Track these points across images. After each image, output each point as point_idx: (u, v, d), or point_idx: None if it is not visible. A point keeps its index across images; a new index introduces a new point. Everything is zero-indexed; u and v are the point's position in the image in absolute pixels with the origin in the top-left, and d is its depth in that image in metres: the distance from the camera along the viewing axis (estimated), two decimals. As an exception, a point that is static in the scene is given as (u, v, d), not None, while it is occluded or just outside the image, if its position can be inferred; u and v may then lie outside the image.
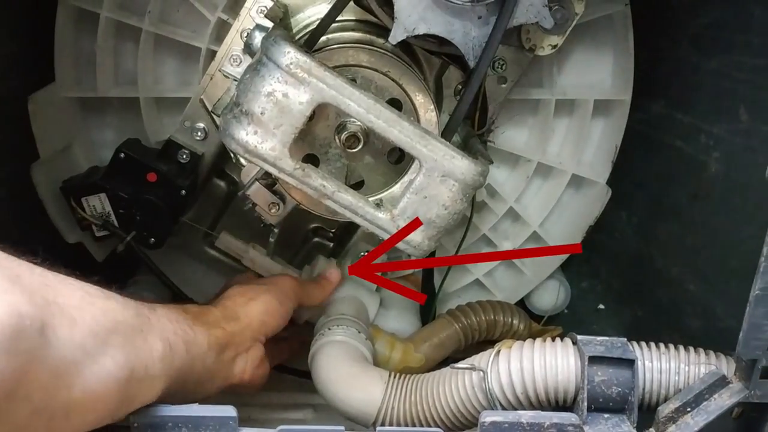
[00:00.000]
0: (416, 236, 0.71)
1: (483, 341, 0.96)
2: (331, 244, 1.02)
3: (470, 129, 0.89)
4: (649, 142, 0.98)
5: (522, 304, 1.09)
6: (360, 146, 0.73)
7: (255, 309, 0.75)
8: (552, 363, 0.65)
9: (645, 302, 0.97)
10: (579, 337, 0.66)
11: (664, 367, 0.64)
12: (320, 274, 0.90)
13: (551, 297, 1.09)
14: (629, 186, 1.01)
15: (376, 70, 0.73)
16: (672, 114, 0.94)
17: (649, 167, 0.98)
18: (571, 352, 0.65)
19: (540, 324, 1.05)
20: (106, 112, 0.97)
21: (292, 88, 0.64)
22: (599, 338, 0.66)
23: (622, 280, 1.04)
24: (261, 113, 0.65)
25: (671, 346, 0.67)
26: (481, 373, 0.67)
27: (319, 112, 0.71)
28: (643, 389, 0.64)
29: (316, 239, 1.02)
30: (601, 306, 1.07)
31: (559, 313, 1.11)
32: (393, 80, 0.74)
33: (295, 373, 0.93)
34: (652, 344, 0.67)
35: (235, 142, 0.66)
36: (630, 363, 0.63)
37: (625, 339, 0.66)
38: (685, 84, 0.91)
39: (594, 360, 0.63)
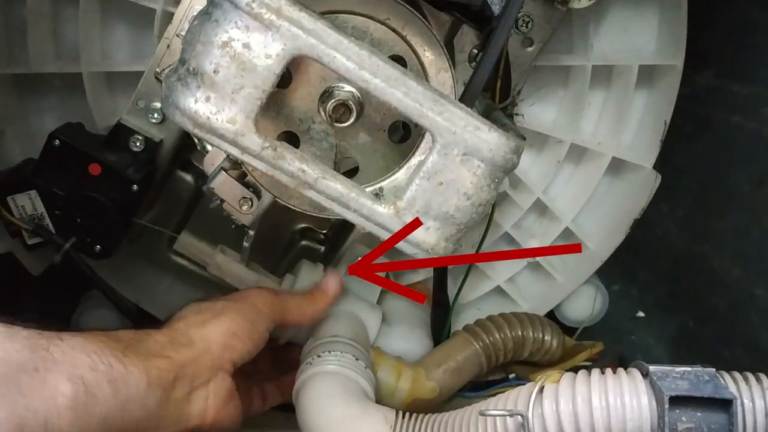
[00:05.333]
0: (429, 237, 0.54)
1: (508, 362, 0.83)
2: (323, 248, 0.88)
3: (490, 101, 0.74)
4: (697, 119, 0.88)
5: (550, 313, 0.97)
6: (352, 119, 0.57)
7: (215, 330, 0.62)
8: (617, 405, 0.51)
9: (696, 309, 0.87)
10: (651, 368, 0.51)
11: (772, 408, 0.50)
12: (316, 283, 0.77)
13: (586, 305, 0.96)
14: (671, 173, 0.90)
15: (371, 18, 0.57)
16: (725, 85, 0.84)
17: (697, 149, 0.89)
18: (642, 390, 0.51)
19: (573, 338, 0.92)
20: (46, 93, 0.84)
21: (256, 35, 0.47)
22: (678, 368, 0.52)
23: (664, 282, 0.94)
24: (214, 71, 0.48)
25: (776, 378, 0.51)
26: (520, 418, 0.52)
27: (297, 74, 0.56)
28: (745, 440, 0.50)
29: (305, 242, 0.88)
30: (641, 313, 0.97)
31: (592, 322, 1.00)
32: (394, 30, 0.57)
33: (280, 407, 0.78)
34: (750, 376, 0.53)
35: (179, 113, 0.49)
36: (726, 404, 0.49)
37: (714, 369, 0.52)
38: (742, 48, 0.81)
39: (676, 401, 0.49)
